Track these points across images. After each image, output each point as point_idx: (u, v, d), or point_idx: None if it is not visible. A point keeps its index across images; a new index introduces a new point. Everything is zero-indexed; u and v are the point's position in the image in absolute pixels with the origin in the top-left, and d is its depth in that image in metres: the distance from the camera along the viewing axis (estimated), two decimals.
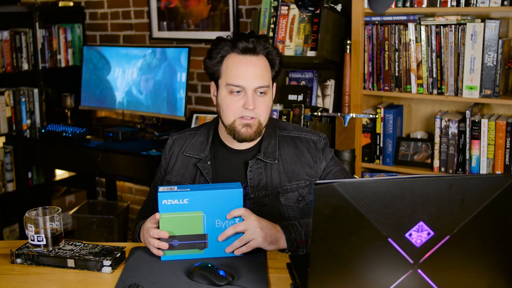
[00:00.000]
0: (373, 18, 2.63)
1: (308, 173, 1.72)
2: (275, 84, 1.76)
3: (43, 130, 3.34)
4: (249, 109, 1.62)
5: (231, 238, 1.50)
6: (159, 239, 1.49)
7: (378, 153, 2.73)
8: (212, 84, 1.72)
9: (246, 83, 1.62)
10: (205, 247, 1.50)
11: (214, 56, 1.67)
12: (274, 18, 2.81)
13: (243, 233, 1.49)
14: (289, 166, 1.72)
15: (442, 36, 2.49)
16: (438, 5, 2.48)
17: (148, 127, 3.39)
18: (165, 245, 1.49)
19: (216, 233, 1.49)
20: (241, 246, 1.50)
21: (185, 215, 1.47)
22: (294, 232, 1.55)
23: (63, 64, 3.82)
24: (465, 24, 2.43)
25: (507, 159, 2.45)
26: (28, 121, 3.64)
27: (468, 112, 2.50)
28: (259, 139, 1.73)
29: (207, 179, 1.72)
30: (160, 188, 1.48)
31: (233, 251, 1.50)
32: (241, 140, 1.66)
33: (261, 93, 1.64)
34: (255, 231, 1.48)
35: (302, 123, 2.76)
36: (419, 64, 2.56)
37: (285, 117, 2.81)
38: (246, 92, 1.63)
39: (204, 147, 1.75)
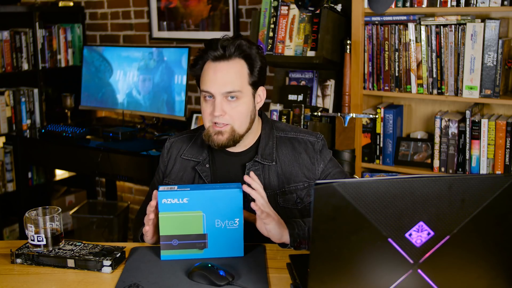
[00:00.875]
0: (373, 18, 2.63)
1: (306, 175, 1.72)
2: (262, 89, 1.71)
3: (43, 130, 3.34)
4: (215, 115, 1.61)
5: (230, 239, 1.50)
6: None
7: (378, 153, 2.73)
8: None
9: (214, 89, 1.61)
10: (205, 247, 1.50)
11: (196, 64, 1.68)
12: (274, 18, 2.81)
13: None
14: (287, 168, 1.71)
15: (442, 36, 2.49)
16: (438, 5, 2.48)
17: (148, 127, 3.39)
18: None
19: (215, 233, 1.49)
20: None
21: (185, 215, 1.47)
22: (298, 228, 1.55)
23: (63, 64, 3.82)
24: (465, 24, 2.43)
25: (507, 159, 2.45)
26: (28, 121, 3.64)
27: (468, 112, 2.50)
28: (254, 140, 1.73)
29: (206, 182, 1.71)
30: (160, 188, 1.49)
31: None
32: (215, 147, 1.66)
33: (232, 97, 1.62)
34: (268, 205, 1.50)
35: (302, 123, 2.76)
36: (419, 64, 2.56)
37: (285, 117, 2.81)
38: (215, 98, 1.62)
39: (202, 150, 1.75)
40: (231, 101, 1.62)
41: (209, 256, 1.51)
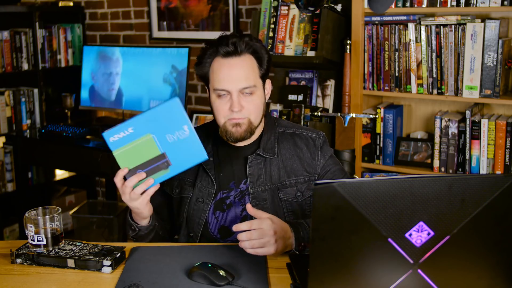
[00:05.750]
0: (373, 18, 2.63)
1: (307, 169, 1.75)
2: (268, 81, 1.76)
3: (43, 130, 3.33)
4: (234, 111, 1.64)
5: (187, 148, 1.50)
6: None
7: (378, 153, 2.73)
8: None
9: (230, 86, 1.64)
10: (169, 165, 1.51)
11: (202, 61, 1.69)
12: (274, 18, 2.81)
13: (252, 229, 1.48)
14: (288, 162, 1.74)
15: (442, 36, 2.49)
16: (438, 5, 2.48)
17: None
18: (150, 181, 1.51)
19: (172, 148, 1.49)
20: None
21: (136, 143, 1.49)
22: (303, 231, 1.56)
23: (63, 64, 3.82)
24: (465, 24, 2.43)
25: (507, 159, 2.45)
26: (28, 121, 3.64)
27: (468, 112, 2.50)
28: (257, 135, 1.75)
29: (209, 175, 1.74)
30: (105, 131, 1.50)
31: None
32: (233, 140, 1.68)
33: (247, 93, 1.65)
34: (270, 242, 1.46)
35: (302, 123, 2.76)
36: (419, 64, 2.56)
37: (285, 117, 2.81)
38: (231, 95, 1.64)
39: (206, 144, 1.78)
40: (247, 95, 1.65)
41: (177, 172, 1.51)
